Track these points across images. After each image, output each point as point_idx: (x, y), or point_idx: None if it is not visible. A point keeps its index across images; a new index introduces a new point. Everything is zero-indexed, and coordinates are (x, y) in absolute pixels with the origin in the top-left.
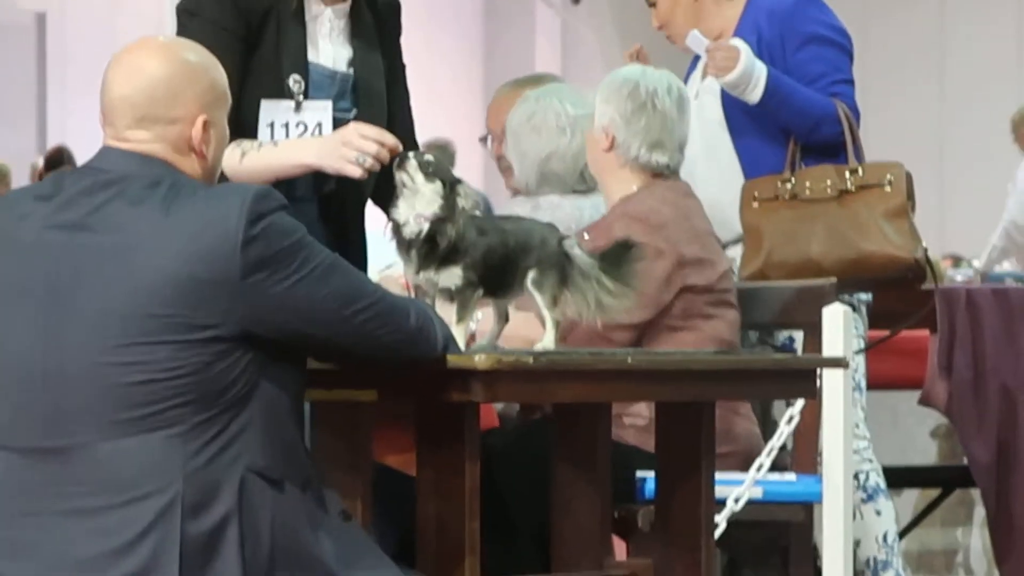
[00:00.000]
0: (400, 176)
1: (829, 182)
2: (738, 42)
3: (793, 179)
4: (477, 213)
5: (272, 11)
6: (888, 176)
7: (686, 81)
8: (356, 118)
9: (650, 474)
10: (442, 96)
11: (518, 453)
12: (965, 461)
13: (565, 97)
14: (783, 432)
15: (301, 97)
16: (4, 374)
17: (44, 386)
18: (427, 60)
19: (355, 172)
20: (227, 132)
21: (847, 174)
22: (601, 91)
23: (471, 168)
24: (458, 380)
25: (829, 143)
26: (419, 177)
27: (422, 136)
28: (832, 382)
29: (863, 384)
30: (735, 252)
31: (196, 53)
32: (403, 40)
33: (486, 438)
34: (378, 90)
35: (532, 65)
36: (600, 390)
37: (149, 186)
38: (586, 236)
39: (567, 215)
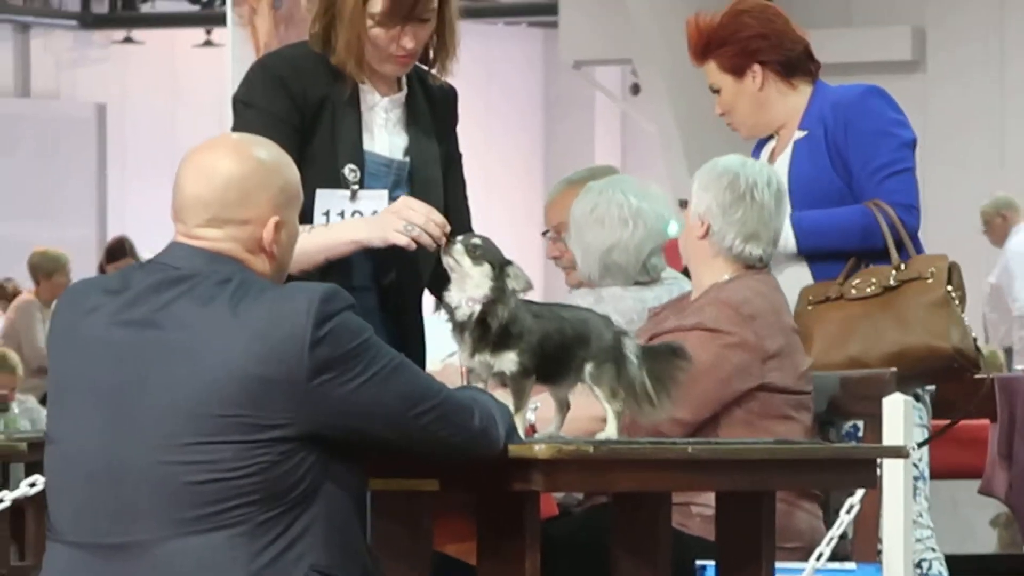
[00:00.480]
0: (447, 260)
1: (874, 280)
2: None
3: (842, 280)
4: (527, 296)
5: (327, 100)
6: (931, 269)
7: None
8: None
9: (710, 563)
10: (501, 188)
11: (579, 543)
12: None
13: (628, 189)
14: (843, 521)
15: (356, 186)
16: (69, 470)
17: (109, 483)
18: (486, 151)
19: (401, 240)
20: (298, 231)
21: (892, 272)
22: (700, 178)
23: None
24: (519, 469)
25: (880, 250)
26: (466, 260)
27: (481, 229)
28: (892, 472)
29: (927, 473)
30: None
31: (269, 151)
32: (462, 131)
33: (546, 527)
34: (434, 178)
35: (592, 155)
36: (660, 479)
37: (218, 284)
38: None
39: (629, 307)
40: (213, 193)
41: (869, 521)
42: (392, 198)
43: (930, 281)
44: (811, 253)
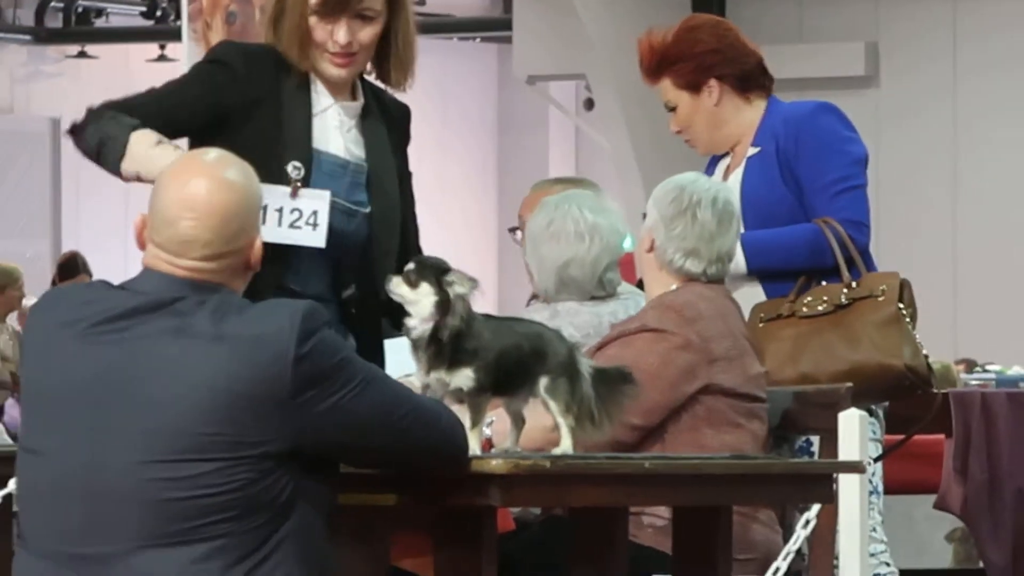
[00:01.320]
0: (394, 298)
1: (825, 298)
2: None
3: (794, 298)
4: (476, 294)
5: (274, 92)
6: (881, 287)
7: None
8: (371, 213)
9: None
10: (456, 201)
11: (535, 557)
12: (981, 565)
13: (584, 204)
14: (799, 536)
15: (300, 184)
16: (44, 480)
17: (85, 495)
18: (441, 166)
19: None
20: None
21: (843, 290)
22: (653, 192)
23: (486, 274)
24: (476, 484)
25: (831, 268)
26: (405, 289)
27: (436, 247)
28: (849, 487)
29: (880, 488)
30: None
31: (239, 169)
32: (417, 146)
33: (503, 542)
34: (393, 189)
35: (546, 170)
36: (617, 494)
37: (197, 305)
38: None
39: (586, 322)
40: (214, 232)
41: (825, 536)
42: (351, 202)
43: (881, 299)
44: (761, 272)
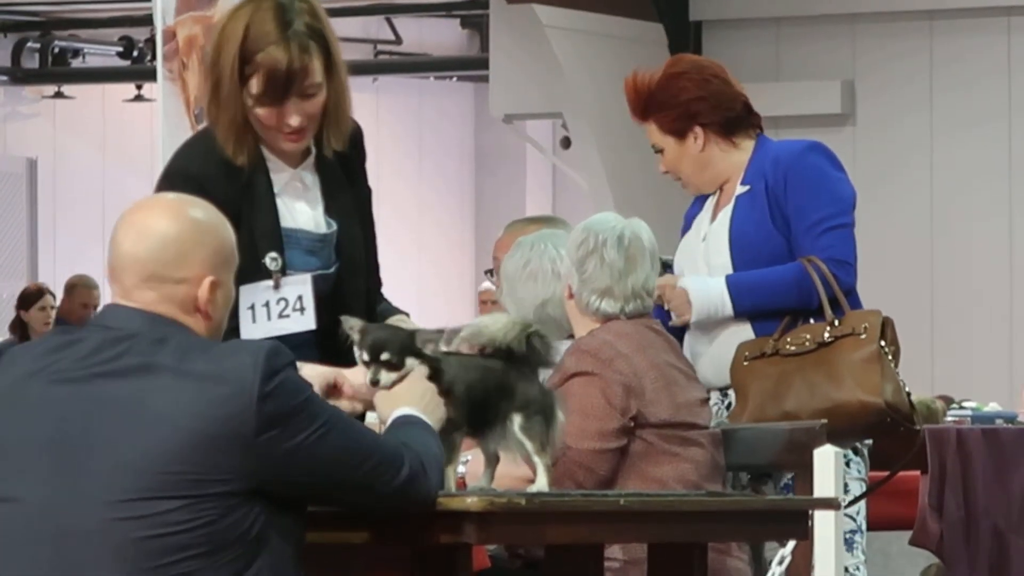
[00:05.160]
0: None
1: (808, 336)
2: (685, 282)
3: (778, 336)
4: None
5: (241, 193)
6: (863, 324)
7: (689, 223)
8: (338, 272)
9: None
10: (432, 239)
11: None
12: None
13: (559, 243)
14: (775, 573)
15: (280, 274)
16: (16, 530)
17: (53, 539)
18: (417, 204)
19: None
20: (233, 292)
21: (827, 328)
22: (567, 240)
23: (463, 310)
24: (451, 522)
25: (817, 307)
26: (394, 376)
27: (412, 281)
28: (824, 523)
29: (864, 526)
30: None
31: (205, 211)
32: (393, 184)
33: None
34: (357, 235)
35: (523, 208)
36: (593, 531)
37: (158, 342)
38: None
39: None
40: (149, 252)
41: (801, 573)
42: (326, 266)
43: (863, 337)
44: (750, 313)
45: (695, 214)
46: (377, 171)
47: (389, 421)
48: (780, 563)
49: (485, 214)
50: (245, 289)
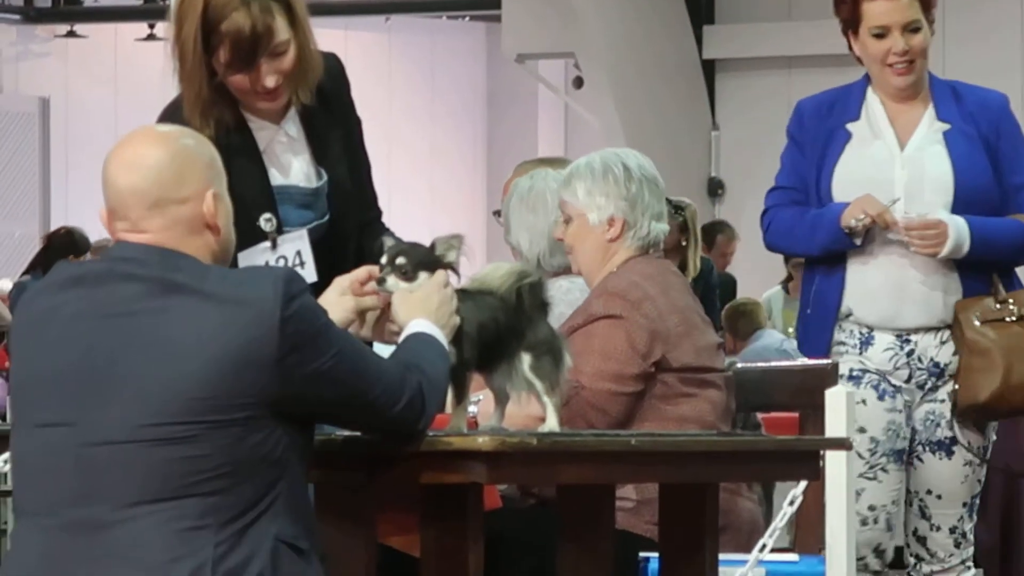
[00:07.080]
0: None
1: None
2: (945, 217)
3: (1012, 301)
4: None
5: (224, 155)
6: None
7: (819, 139)
8: (330, 220)
9: (654, 555)
10: (445, 180)
11: (522, 535)
12: None
13: (549, 175)
14: (786, 513)
15: (275, 233)
16: (39, 452)
17: (77, 461)
18: (430, 145)
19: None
20: (231, 204)
21: None
22: (585, 185)
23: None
24: (461, 461)
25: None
26: (393, 281)
27: (425, 222)
28: (835, 463)
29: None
30: (927, 339)
31: (185, 133)
32: (405, 124)
33: (489, 520)
34: (346, 180)
35: (535, 148)
36: (604, 471)
37: (176, 271)
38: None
39: (577, 299)
40: (148, 180)
41: (812, 513)
42: (321, 216)
43: None
44: (972, 260)
45: (825, 130)
46: (389, 110)
47: (405, 333)
48: (791, 503)
49: (497, 154)
50: (244, 255)
